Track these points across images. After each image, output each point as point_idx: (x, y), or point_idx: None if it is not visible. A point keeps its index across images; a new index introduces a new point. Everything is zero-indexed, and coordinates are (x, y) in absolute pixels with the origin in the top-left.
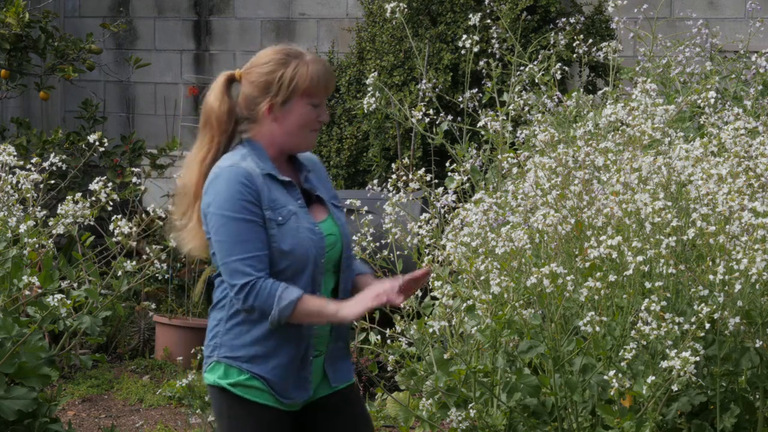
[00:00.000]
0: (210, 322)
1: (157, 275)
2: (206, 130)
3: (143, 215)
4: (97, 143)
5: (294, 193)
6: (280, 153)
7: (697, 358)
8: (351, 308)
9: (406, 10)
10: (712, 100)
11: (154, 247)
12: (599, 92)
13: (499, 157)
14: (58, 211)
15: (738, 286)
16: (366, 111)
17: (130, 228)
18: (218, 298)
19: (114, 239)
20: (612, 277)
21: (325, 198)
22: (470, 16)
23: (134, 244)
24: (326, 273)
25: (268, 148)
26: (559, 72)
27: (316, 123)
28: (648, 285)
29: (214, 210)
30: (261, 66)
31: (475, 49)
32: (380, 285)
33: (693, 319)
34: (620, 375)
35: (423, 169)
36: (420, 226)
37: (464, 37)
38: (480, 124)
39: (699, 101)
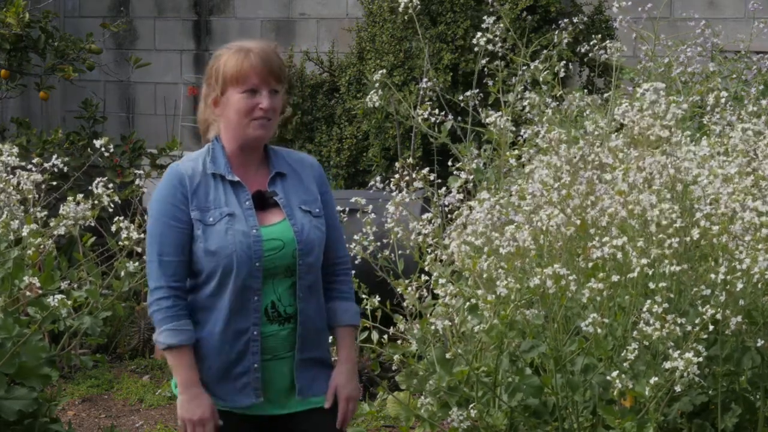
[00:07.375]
0: None
1: None
2: (203, 140)
3: (144, 215)
4: (102, 148)
5: (242, 195)
6: (240, 148)
7: (700, 359)
8: (183, 410)
9: (418, 6)
10: (723, 101)
11: None
12: (603, 94)
13: (503, 155)
14: (60, 211)
15: (740, 285)
16: (370, 106)
17: (138, 232)
18: None
19: (120, 242)
20: (615, 278)
21: (288, 203)
22: (484, 18)
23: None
24: (274, 277)
25: (226, 145)
26: (562, 70)
27: (257, 111)
28: (651, 285)
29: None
30: (209, 64)
31: (481, 43)
32: None
33: (696, 321)
34: (622, 375)
35: (426, 168)
36: (423, 226)
37: (479, 34)
38: (489, 120)
39: (708, 101)
